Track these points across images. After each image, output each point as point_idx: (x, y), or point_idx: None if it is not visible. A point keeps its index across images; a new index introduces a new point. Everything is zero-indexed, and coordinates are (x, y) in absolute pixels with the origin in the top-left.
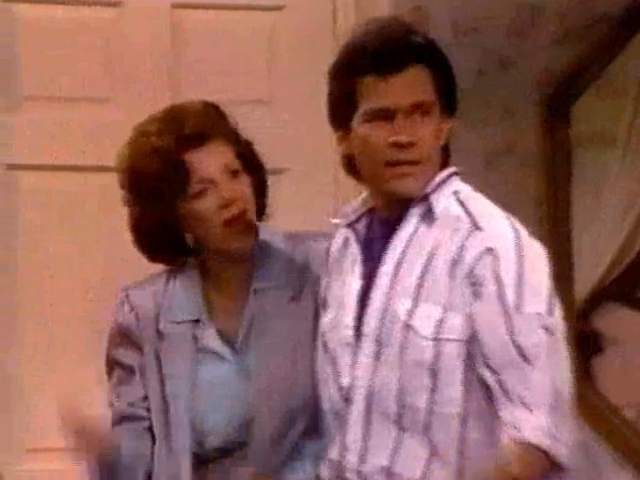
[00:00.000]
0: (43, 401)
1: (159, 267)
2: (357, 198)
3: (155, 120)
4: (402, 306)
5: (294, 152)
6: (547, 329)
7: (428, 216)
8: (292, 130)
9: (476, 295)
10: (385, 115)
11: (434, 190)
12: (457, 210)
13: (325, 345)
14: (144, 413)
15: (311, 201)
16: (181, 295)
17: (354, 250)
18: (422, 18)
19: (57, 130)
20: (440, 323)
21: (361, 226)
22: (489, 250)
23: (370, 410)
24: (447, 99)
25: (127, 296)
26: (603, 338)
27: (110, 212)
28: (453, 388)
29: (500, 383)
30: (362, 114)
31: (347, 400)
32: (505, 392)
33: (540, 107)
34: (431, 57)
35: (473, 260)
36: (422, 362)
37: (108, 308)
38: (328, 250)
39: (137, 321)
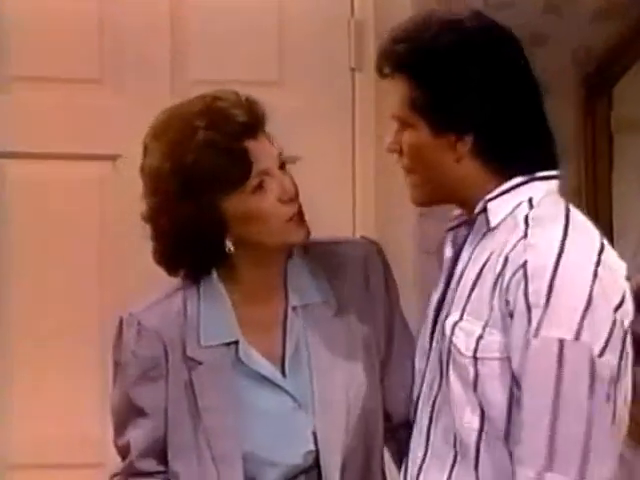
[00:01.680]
0: (25, 417)
1: (154, 270)
2: None
3: (196, 113)
4: (450, 321)
5: (307, 139)
6: (560, 360)
7: (486, 226)
8: (305, 115)
9: (509, 313)
10: None
11: (493, 199)
12: (520, 218)
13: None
14: (155, 466)
15: (326, 193)
16: (210, 314)
17: (448, 255)
18: None
19: (47, 116)
20: (479, 340)
21: (461, 232)
22: (525, 264)
23: (430, 427)
24: (443, 113)
25: (139, 323)
26: None
27: (105, 204)
28: (496, 411)
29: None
30: None
31: (416, 412)
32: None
33: (579, 88)
34: (417, 66)
35: (510, 274)
36: (466, 381)
37: (103, 307)
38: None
39: (165, 351)
